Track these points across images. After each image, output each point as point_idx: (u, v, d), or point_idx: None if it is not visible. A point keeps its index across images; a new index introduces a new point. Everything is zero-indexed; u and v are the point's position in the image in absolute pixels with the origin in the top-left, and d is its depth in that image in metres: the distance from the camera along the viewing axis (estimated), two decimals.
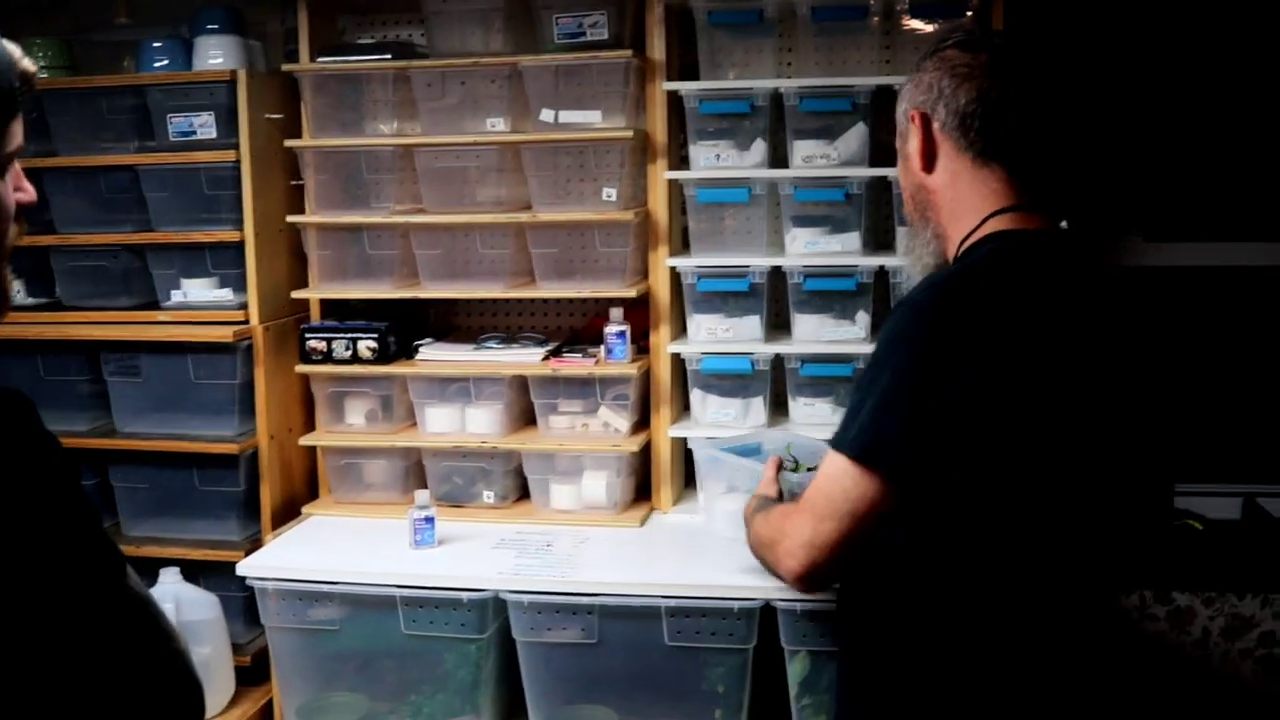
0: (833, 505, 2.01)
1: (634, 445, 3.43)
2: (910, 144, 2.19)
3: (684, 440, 3.51)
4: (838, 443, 2.03)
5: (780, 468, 2.70)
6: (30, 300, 3.79)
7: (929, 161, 2.15)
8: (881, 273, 3.31)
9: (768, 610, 2.96)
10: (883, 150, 3.33)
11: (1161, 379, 2.11)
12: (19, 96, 1.45)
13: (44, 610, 1.36)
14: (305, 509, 3.65)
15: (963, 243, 2.12)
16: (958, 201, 2.12)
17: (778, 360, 3.37)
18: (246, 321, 3.57)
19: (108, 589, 1.43)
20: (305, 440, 3.67)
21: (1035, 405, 1.96)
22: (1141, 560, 2.85)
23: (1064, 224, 2.16)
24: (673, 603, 3.00)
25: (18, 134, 1.46)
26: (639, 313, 3.51)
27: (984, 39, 2.17)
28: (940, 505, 1.99)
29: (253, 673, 3.57)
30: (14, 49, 1.46)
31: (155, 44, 3.68)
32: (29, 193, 1.51)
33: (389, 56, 3.54)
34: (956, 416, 1.92)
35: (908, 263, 2.30)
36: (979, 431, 1.93)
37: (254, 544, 3.55)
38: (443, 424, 3.57)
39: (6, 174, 1.46)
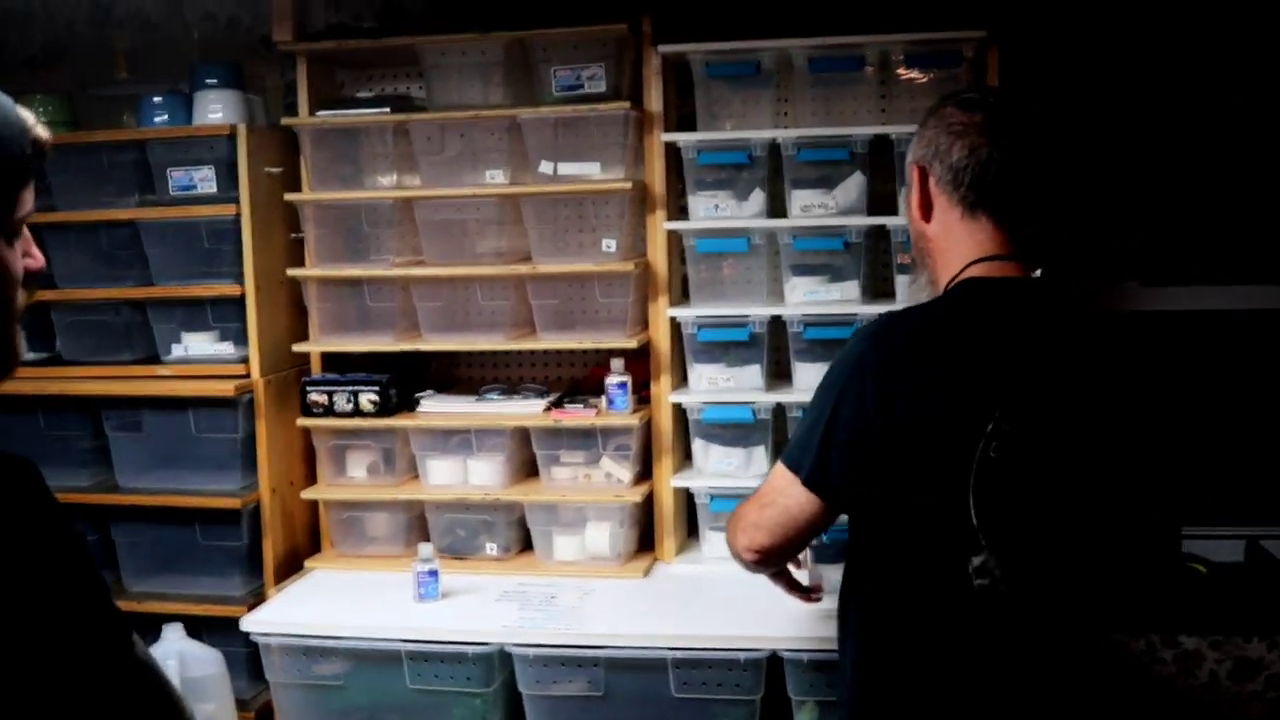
0: (771, 497, 2.31)
1: (637, 496, 3.43)
2: (911, 193, 2.33)
3: (686, 490, 3.50)
4: (785, 456, 2.31)
5: None
6: (31, 355, 3.78)
7: (926, 212, 2.30)
8: None
9: (774, 660, 2.96)
10: (880, 199, 3.36)
11: (1145, 418, 2.21)
12: (30, 164, 1.45)
13: (55, 680, 1.36)
14: (308, 563, 3.65)
15: (947, 286, 2.27)
16: (949, 250, 2.27)
17: (779, 409, 3.38)
18: (247, 375, 3.57)
19: (116, 658, 1.43)
20: (307, 494, 3.67)
21: (964, 438, 2.08)
22: (1140, 602, 2.86)
23: (1038, 272, 2.28)
24: (679, 654, 3.00)
25: (28, 201, 1.47)
26: (639, 363, 3.52)
27: (981, 98, 2.31)
28: (874, 530, 2.23)
29: None
30: (28, 116, 1.47)
31: (155, 99, 3.70)
32: (38, 259, 1.52)
33: (388, 110, 3.56)
34: (879, 444, 2.13)
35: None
36: (902, 458, 2.12)
37: (257, 599, 3.54)
38: (445, 476, 3.57)
39: (15, 241, 1.47)
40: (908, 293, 2.44)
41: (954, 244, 2.26)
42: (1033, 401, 2.10)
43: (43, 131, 1.48)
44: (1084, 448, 2.13)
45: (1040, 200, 2.26)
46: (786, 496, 2.28)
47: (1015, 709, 2.15)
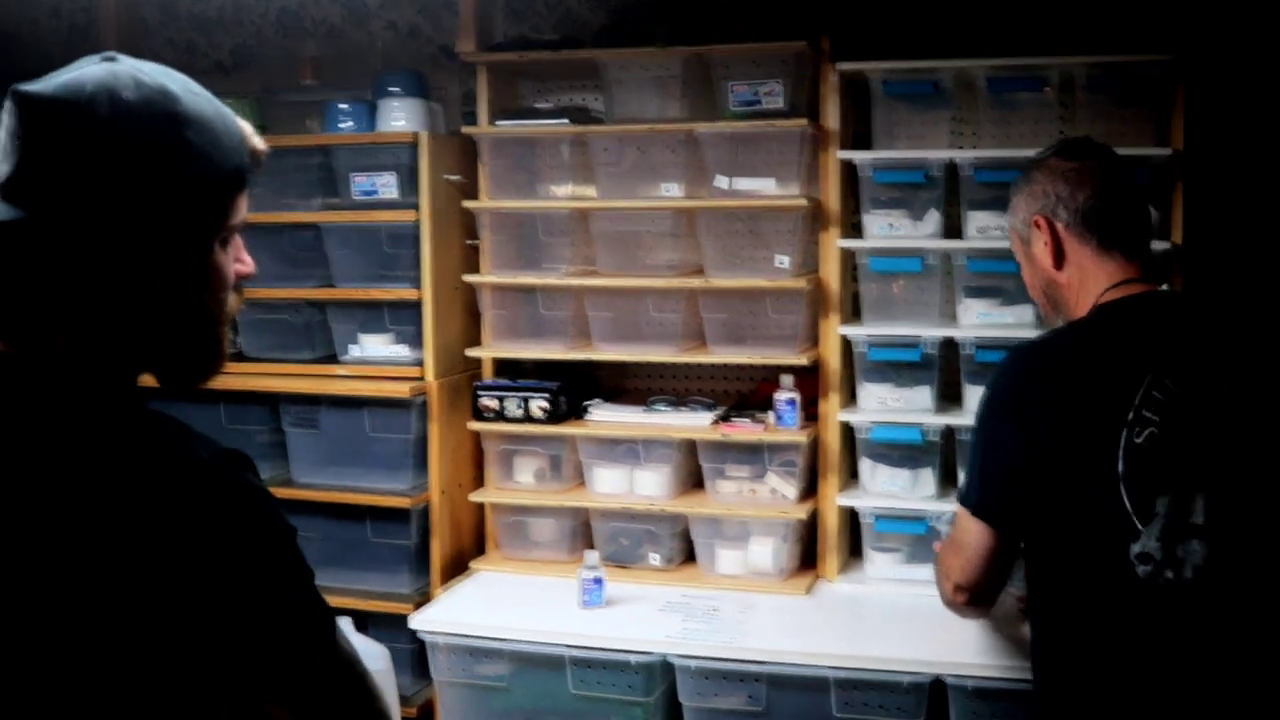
0: (960, 545, 2.41)
1: (801, 513, 3.44)
2: (1036, 247, 2.45)
3: (851, 509, 3.50)
4: (959, 494, 2.44)
5: None
6: None
7: (1059, 259, 2.42)
8: None
9: (937, 685, 2.95)
10: None
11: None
12: (247, 173, 1.52)
13: (263, 666, 1.42)
14: (473, 564, 3.71)
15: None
16: (1084, 287, 2.39)
17: (949, 431, 3.35)
18: (422, 378, 3.65)
19: (321, 648, 1.47)
20: (475, 496, 3.74)
21: (1108, 431, 2.18)
22: None
23: (1164, 286, 2.51)
24: (842, 674, 3.00)
25: (243, 208, 1.53)
26: (808, 380, 3.52)
27: (1080, 145, 2.52)
28: (1041, 546, 2.33)
29: None
30: (246, 126, 1.53)
31: (341, 105, 3.81)
32: (248, 264, 1.58)
33: (566, 121, 3.62)
34: (1029, 466, 2.24)
35: None
36: (1053, 471, 2.22)
37: (423, 597, 3.62)
38: (611, 485, 3.61)
39: (229, 246, 1.53)
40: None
41: (1088, 280, 2.38)
42: (1177, 387, 2.18)
43: (259, 142, 1.54)
44: (1232, 430, 2.19)
45: (1149, 231, 2.49)
46: (967, 533, 2.39)
47: (1199, 701, 2.17)
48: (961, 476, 2.55)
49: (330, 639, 1.49)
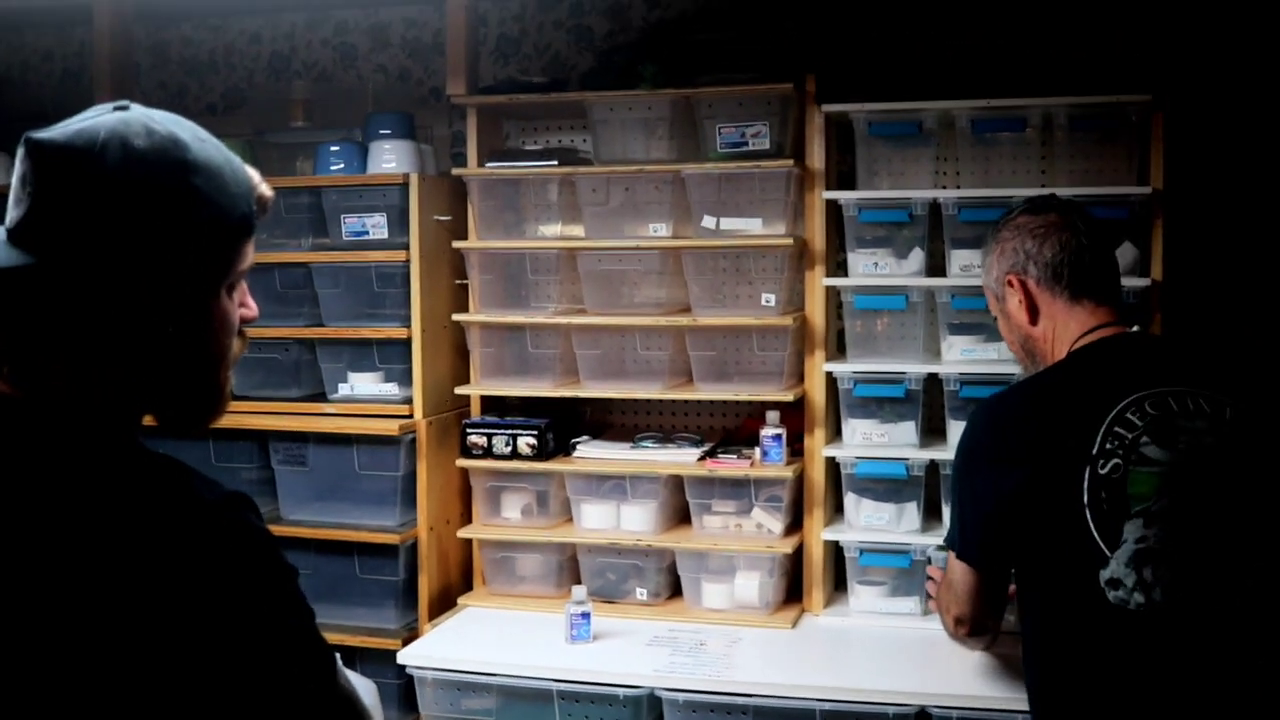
0: (952, 583, 2.56)
1: (787, 547, 3.46)
2: (1010, 304, 2.57)
3: (836, 543, 3.53)
4: (946, 536, 2.61)
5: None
6: None
7: (1033, 315, 2.53)
8: None
9: (922, 716, 2.97)
10: None
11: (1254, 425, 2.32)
12: (254, 220, 1.54)
13: (263, 704, 1.42)
14: (461, 599, 3.73)
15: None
16: (1059, 338, 2.50)
17: (932, 466, 3.39)
18: (411, 415, 3.68)
19: (321, 686, 1.48)
20: (463, 533, 3.76)
21: (1075, 463, 2.25)
22: None
23: (1135, 328, 2.57)
24: (828, 705, 3.01)
25: (249, 254, 1.54)
26: (794, 415, 3.55)
27: (1044, 201, 2.64)
28: (1023, 582, 2.43)
29: None
30: (254, 174, 1.55)
31: (333, 147, 3.85)
32: (252, 309, 1.59)
33: (555, 162, 3.66)
34: (1003, 510, 2.34)
35: None
36: (1026, 509, 2.30)
37: (411, 633, 3.63)
38: (598, 520, 3.64)
39: (234, 292, 1.55)
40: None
41: (1061, 330, 2.49)
42: (1141, 418, 2.24)
43: (266, 189, 1.57)
44: (1202, 453, 2.23)
45: (1117, 277, 2.58)
46: (955, 572, 2.55)
47: None
48: (946, 518, 2.70)
49: (330, 677, 1.49)
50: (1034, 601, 2.39)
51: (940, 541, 3.06)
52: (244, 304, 1.58)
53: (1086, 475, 2.23)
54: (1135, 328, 2.53)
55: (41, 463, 1.41)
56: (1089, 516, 2.22)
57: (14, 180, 1.43)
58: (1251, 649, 2.19)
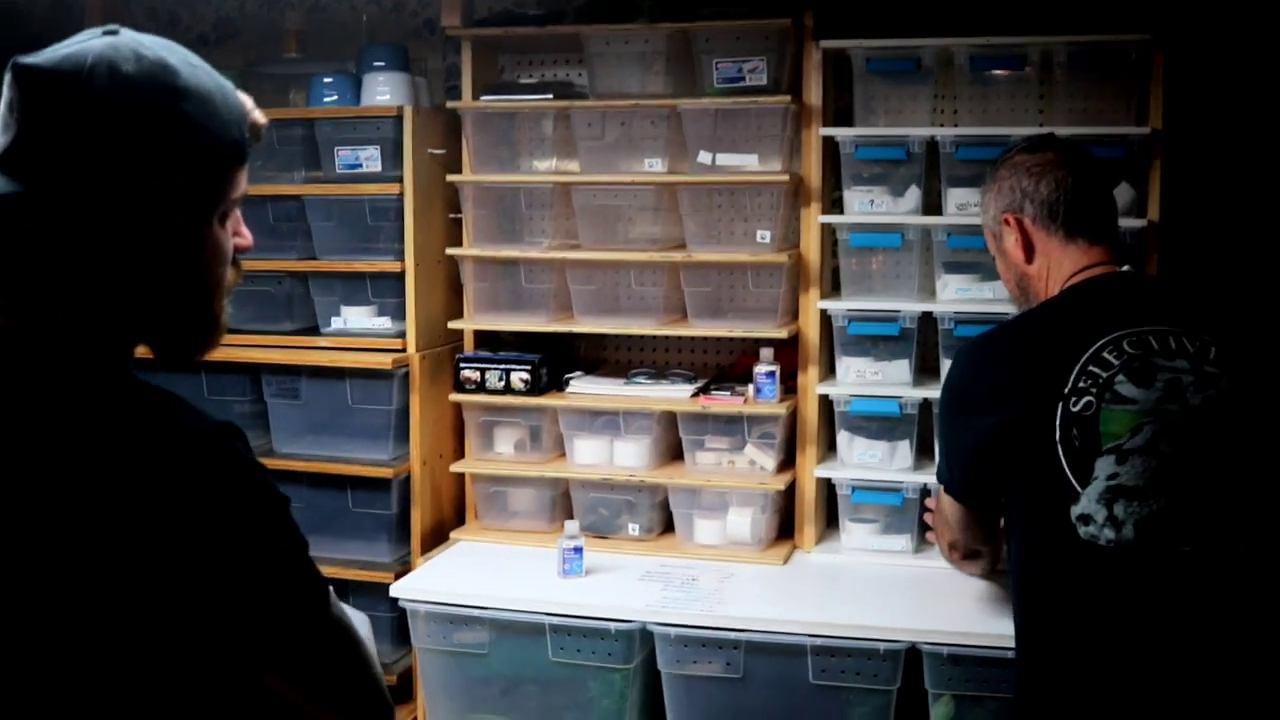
0: (944, 513, 2.70)
1: (779, 484, 3.47)
2: (1007, 242, 2.58)
3: (828, 481, 3.54)
4: (936, 471, 2.71)
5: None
6: None
7: (1029, 254, 2.54)
8: None
9: (913, 652, 2.99)
10: None
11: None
12: (247, 147, 1.52)
13: (254, 634, 1.42)
14: (453, 534, 3.74)
15: None
16: (1053, 275, 2.51)
17: (925, 404, 3.39)
18: (404, 350, 3.67)
19: (316, 615, 1.48)
20: (456, 467, 3.76)
21: (1050, 400, 2.26)
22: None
23: (1126, 268, 2.54)
24: (818, 641, 3.03)
25: (242, 183, 1.53)
26: (787, 353, 3.55)
27: (1041, 140, 2.64)
28: (1008, 515, 2.47)
29: (398, 692, 3.65)
30: (247, 101, 1.54)
31: (326, 79, 3.81)
32: (246, 238, 1.59)
33: (551, 96, 3.64)
34: (995, 447, 2.35)
35: None
36: (1017, 456, 2.31)
37: (404, 566, 3.64)
38: (591, 456, 3.64)
39: (228, 220, 1.54)
40: None
41: (1055, 269, 2.51)
42: (1119, 356, 2.25)
43: (259, 116, 1.55)
44: (1181, 392, 2.23)
45: (1114, 215, 2.58)
46: (945, 503, 2.68)
47: (1154, 661, 2.20)
48: (936, 453, 2.78)
49: (324, 606, 1.49)
50: (1016, 536, 2.42)
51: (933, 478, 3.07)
52: (238, 233, 1.57)
53: (1059, 412, 2.24)
54: (1126, 267, 2.52)
55: (29, 392, 1.40)
56: (1060, 453, 2.23)
57: (1, 106, 1.42)
58: (1224, 587, 2.19)
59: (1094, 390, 2.24)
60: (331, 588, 1.53)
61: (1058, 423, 2.24)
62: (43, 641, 1.35)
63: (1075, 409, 2.23)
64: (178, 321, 1.52)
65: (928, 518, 3.13)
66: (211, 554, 1.38)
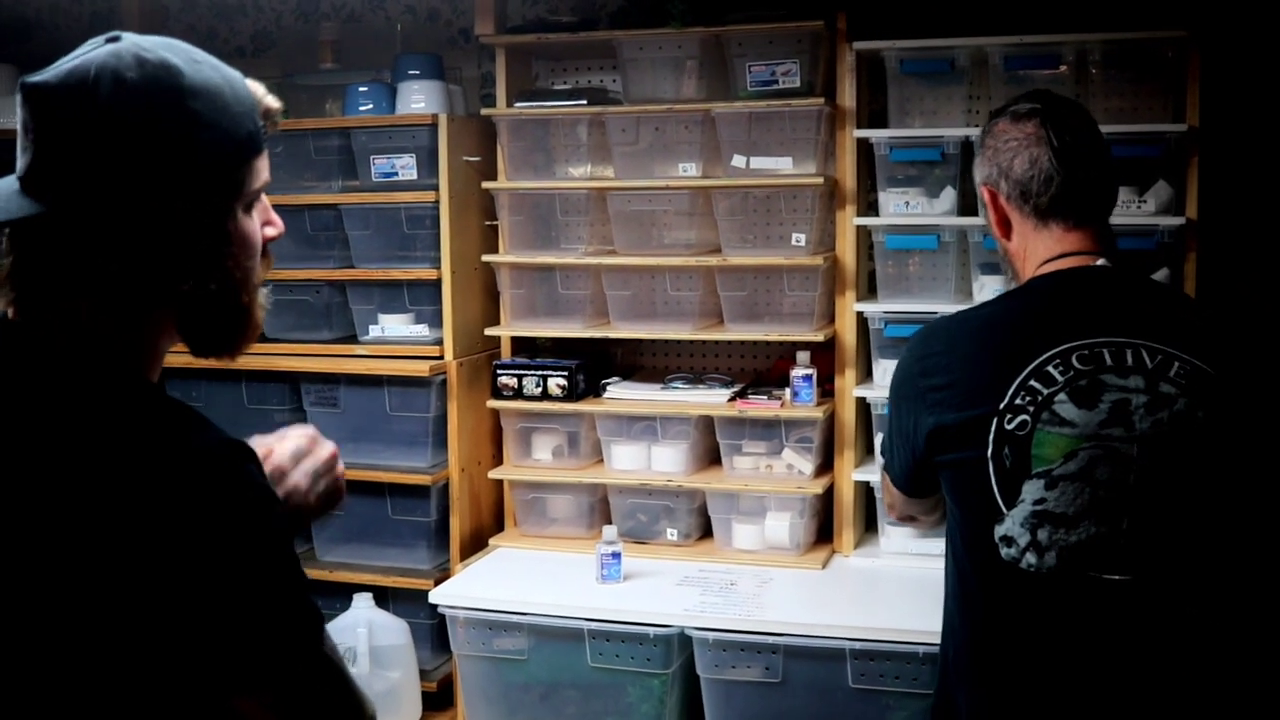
0: (886, 487, 2.55)
1: (817, 488, 3.47)
2: (989, 215, 2.40)
3: (867, 484, 3.53)
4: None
5: None
6: None
7: (1006, 229, 2.36)
8: None
9: None
10: None
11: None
12: (263, 134, 1.52)
13: (234, 659, 1.39)
14: (492, 540, 3.75)
15: None
16: (1028, 257, 2.33)
17: None
18: (441, 357, 3.69)
19: (305, 652, 1.46)
20: (494, 474, 3.77)
21: (986, 412, 2.13)
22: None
23: (1101, 261, 2.30)
24: (858, 645, 3.03)
25: (263, 171, 1.53)
26: (824, 356, 3.55)
27: (1031, 107, 2.35)
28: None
29: (438, 698, 3.68)
30: (257, 87, 1.53)
31: (361, 88, 3.84)
32: (278, 225, 1.58)
33: (585, 102, 3.64)
34: (932, 449, 2.22)
35: None
36: (951, 463, 2.20)
37: (443, 573, 3.66)
38: (629, 461, 3.64)
39: (254, 209, 1.53)
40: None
41: (1030, 250, 2.33)
42: (1064, 372, 2.11)
43: (273, 101, 1.54)
44: (1124, 419, 2.08)
45: (1101, 197, 2.34)
46: (886, 481, 2.54)
47: (1060, 686, 2.11)
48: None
49: (314, 639, 1.46)
50: (948, 534, 2.32)
51: None
52: (268, 221, 1.57)
53: (993, 428, 2.12)
54: (1102, 261, 2.29)
55: (40, 398, 1.41)
56: (990, 470, 2.12)
57: (18, 127, 1.42)
58: (1170, 619, 2.08)
59: (1031, 409, 2.10)
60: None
61: (990, 439, 2.12)
62: (20, 645, 1.36)
63: (1009, 427, 2.10)
64: (209, 317, 1.51)
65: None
66: (194, 572, 1.36)
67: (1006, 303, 2.35)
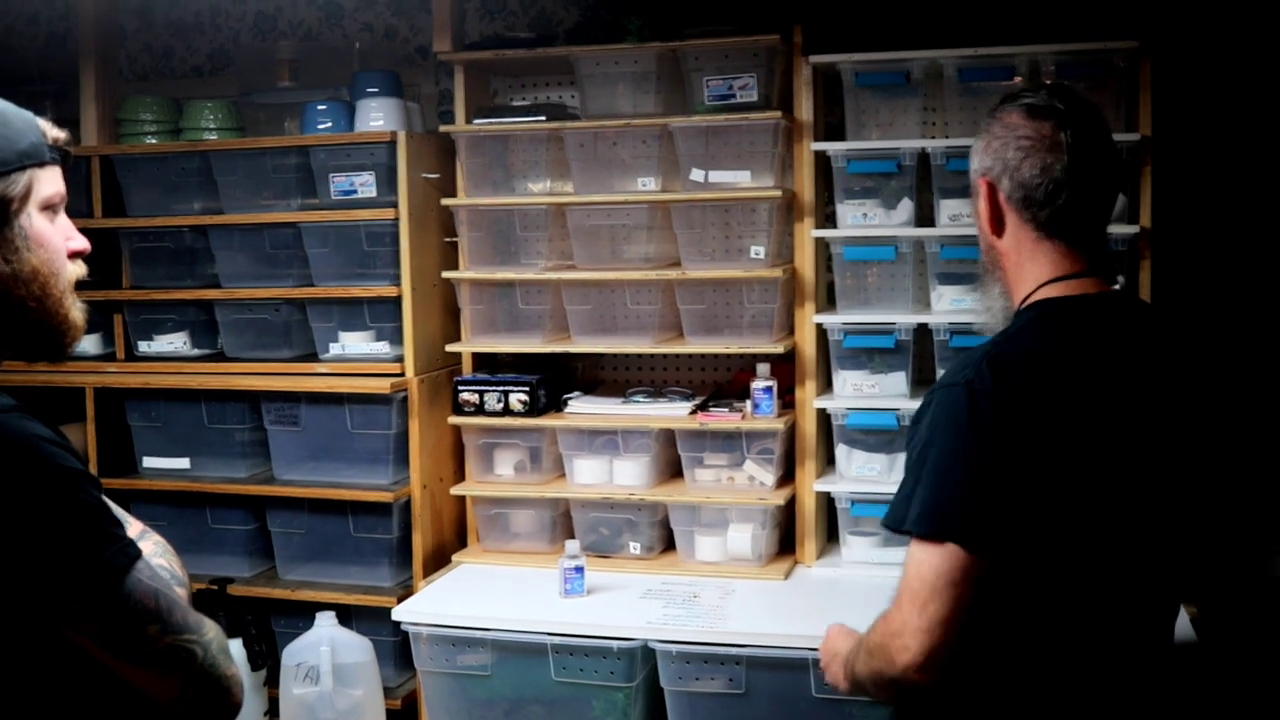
0: (928, 585, 1.98)
1: (779, 499, 3.48)
2: (979, 203, 2.20)
3: (828, 495, 3.54)
4: (897, 522, 2.05)
5: None
6: (195, 351, 3.95)
7: (997, 227, 2.16)
8: None
9: None
10: None
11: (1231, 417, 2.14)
12: (50, 151, 1.66)
13: (56, 600, 1.53)
14: (455, 557, 3.75)
15: (1021, 304, 2.15)
16: (1022, 267, 2.15)
17: None
18: (402, 374, 3.69)
19: (114, 583, 1.55)
20: (456, 490, 3.77)
21: (1086, 455, 1.99)
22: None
23: (1119, 283, 2.17)
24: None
25: (53, 183, 1.66)
26: (784, 368, 3.56)
27: (1049, 103, 2.15)
28: (1020, 567, 2.02)
29: (403, 716, 3.66)
30: (44, 122, 1.68)
31: (319, 106, 3.84)
32: (81, 242, 1.72)
33: (543, 118, 3.65)
34: (1012, 480, 1.96)
35: (982, 317, 2.29)
36: (1037, 491, 1.97)
37: (406, 590, 3.64)
38: (591, 475, 3.65)
39: (55, 221, 1.67)
40: (980, 301, 2.32)
41: (1027, 262, 2.15)
42: (1136, 411, 2.03)
43: (60, 133, 1.70)
44: (1145, 447, 2.04)
45: (1107, 211, 2.19)
46: (945, 575, 2.01)
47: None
48: (890, 510, 2.15)
49: (120, 570, 1.56)
50: None
51: None
52: (70, 236, 1.70)
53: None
54: (1118, 285, 2.19)
55: None
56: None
57: None
58: (1146, 612, 2.10)
59: (1131, 458, 2.02)
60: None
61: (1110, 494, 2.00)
62: None
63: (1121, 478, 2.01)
64: (21, 320, 1.63)
65: (869, 640, 2.31)
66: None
67: (1051, 332, 2.09)
